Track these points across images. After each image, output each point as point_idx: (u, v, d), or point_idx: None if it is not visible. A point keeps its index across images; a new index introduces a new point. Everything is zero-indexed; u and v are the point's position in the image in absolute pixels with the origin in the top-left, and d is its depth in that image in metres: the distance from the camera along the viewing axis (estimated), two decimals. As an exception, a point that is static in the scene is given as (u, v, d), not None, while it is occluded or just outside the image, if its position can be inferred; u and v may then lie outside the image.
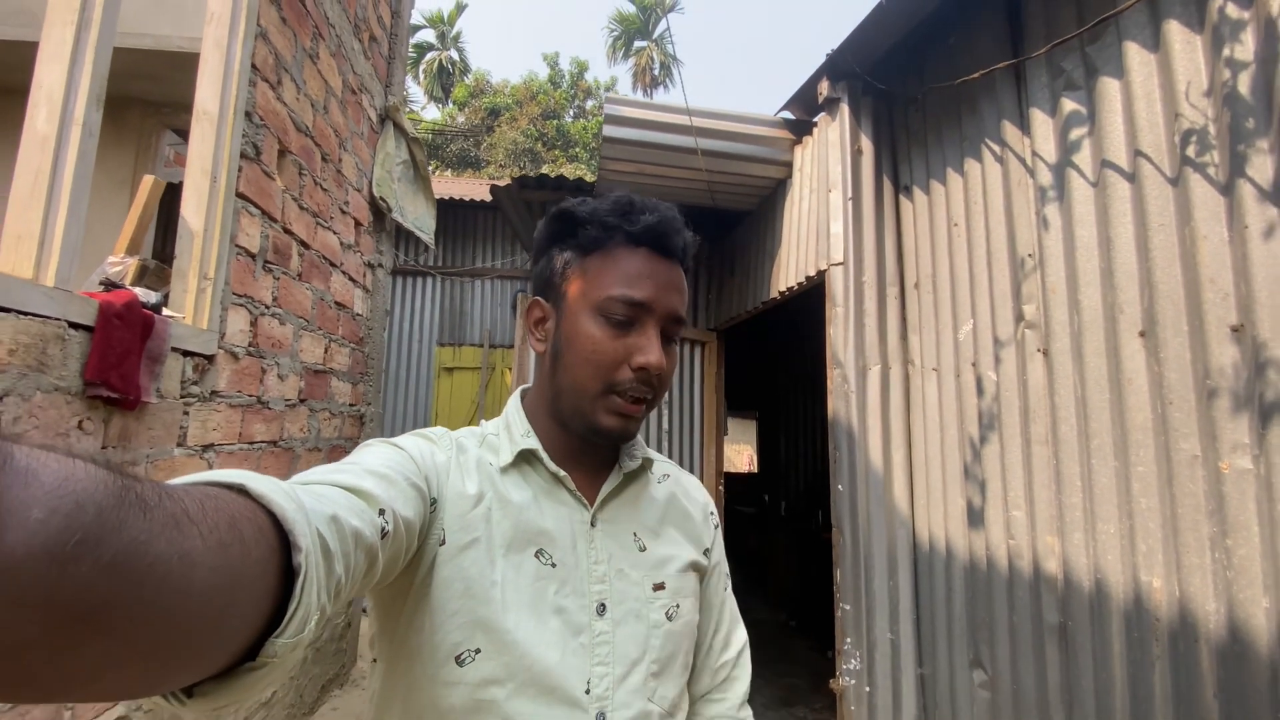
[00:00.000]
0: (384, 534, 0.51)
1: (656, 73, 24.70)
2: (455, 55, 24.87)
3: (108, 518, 0.26)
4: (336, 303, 3.37)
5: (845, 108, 2.60)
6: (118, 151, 3.48)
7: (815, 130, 2.89)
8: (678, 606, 0.73)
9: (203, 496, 0.33)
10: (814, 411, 6.41)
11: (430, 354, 6.53)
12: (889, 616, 2.32)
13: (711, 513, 0.87)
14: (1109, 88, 1.68)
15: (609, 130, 2.94)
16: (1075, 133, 1.78)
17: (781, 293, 3.17)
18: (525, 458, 0.72)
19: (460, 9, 24.86)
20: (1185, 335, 1.48)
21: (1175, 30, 1.50)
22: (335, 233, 3.30)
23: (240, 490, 0.38)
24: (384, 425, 5.87)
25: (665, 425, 3.95)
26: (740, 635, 0.86)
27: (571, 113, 22.66)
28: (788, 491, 6.77)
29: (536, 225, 0.82)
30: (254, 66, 2.43)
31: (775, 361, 7.14)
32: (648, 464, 0.80)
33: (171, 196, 2.92)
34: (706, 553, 0.82)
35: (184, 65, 3.32)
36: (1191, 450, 1.44)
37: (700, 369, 4.14)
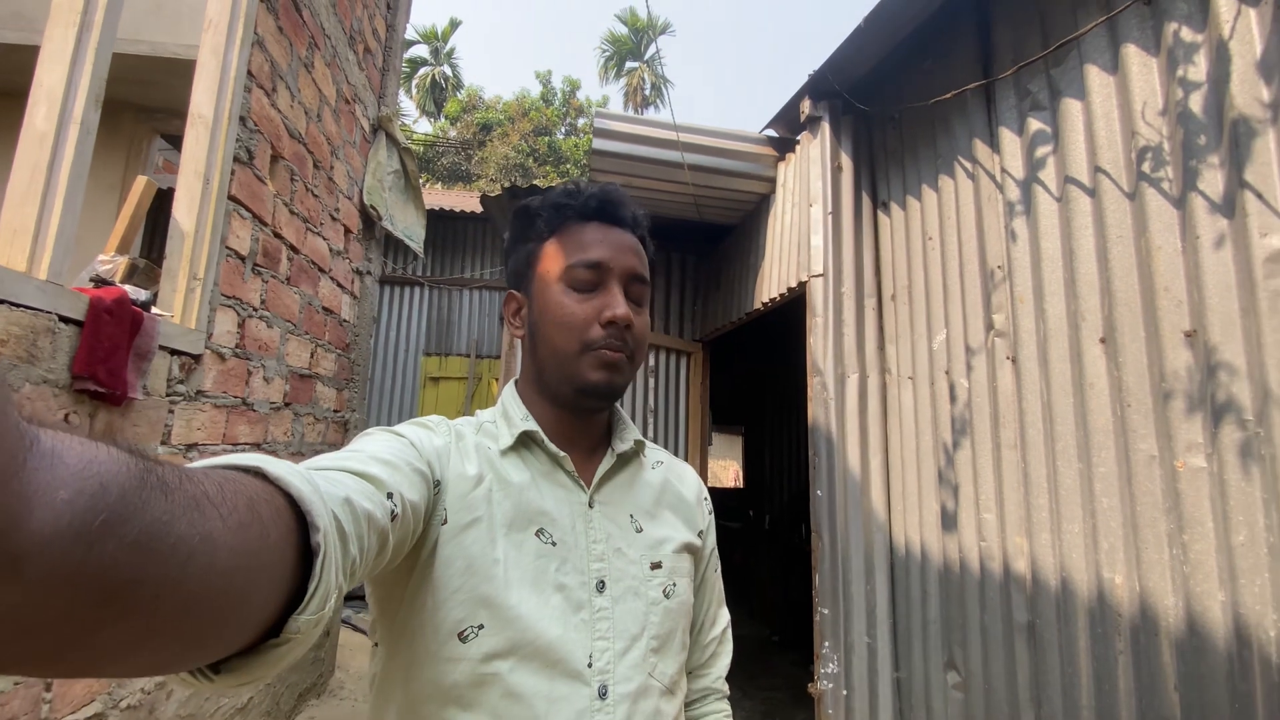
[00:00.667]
0: (393, 516, 0.53)
1: (648, 93, 25.07)
2: (448, 71, 25.09)
3: (131, 499, 0.26)
4: (324, 308, 3.39)
5: (826, 126, 2.69)
6: (108, 156, 3.50)
7: (798, 147, 2.98)
8: (674, 585, 0.75)
9: (221, 479, 0.34)
10: (798, 426, 6.47)
11: (416, 363, 6.53)
12: (866, 620, 2.36)
13: (705, 498, 0.90)
14: (1071, 108, 1.77)
15: (598, 143, 3.01)
16: (1040, 150, 1.87)
17: (765, 303, 3.24)
18: (524, 441, 0.75)
19: (454, 26, 25.14)
20: (1142, 341, 1.55)
21: (1133, 53, 1.60)
22: (325, 239, 3.33)
23: (257, 473, 0.39)
24: (369, 434, 5.84)
25: (650, 434, 3.99)
26: (725, 615, 0.90)
27: (563, 130, 22.89)
28: (772, 506, 6.80)
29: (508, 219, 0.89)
30: (250, 73, 2.48)
31: (762, 379, 7.21)
32: (640, 446, 0.83)
33: (160, 202, 2.94)
34: (700, 535, 0.84)
35: (178, 72, 3.35)
36: (1149, 450, 1.50)
37: (685, 379, 4.19)
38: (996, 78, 1.98)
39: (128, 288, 1.94)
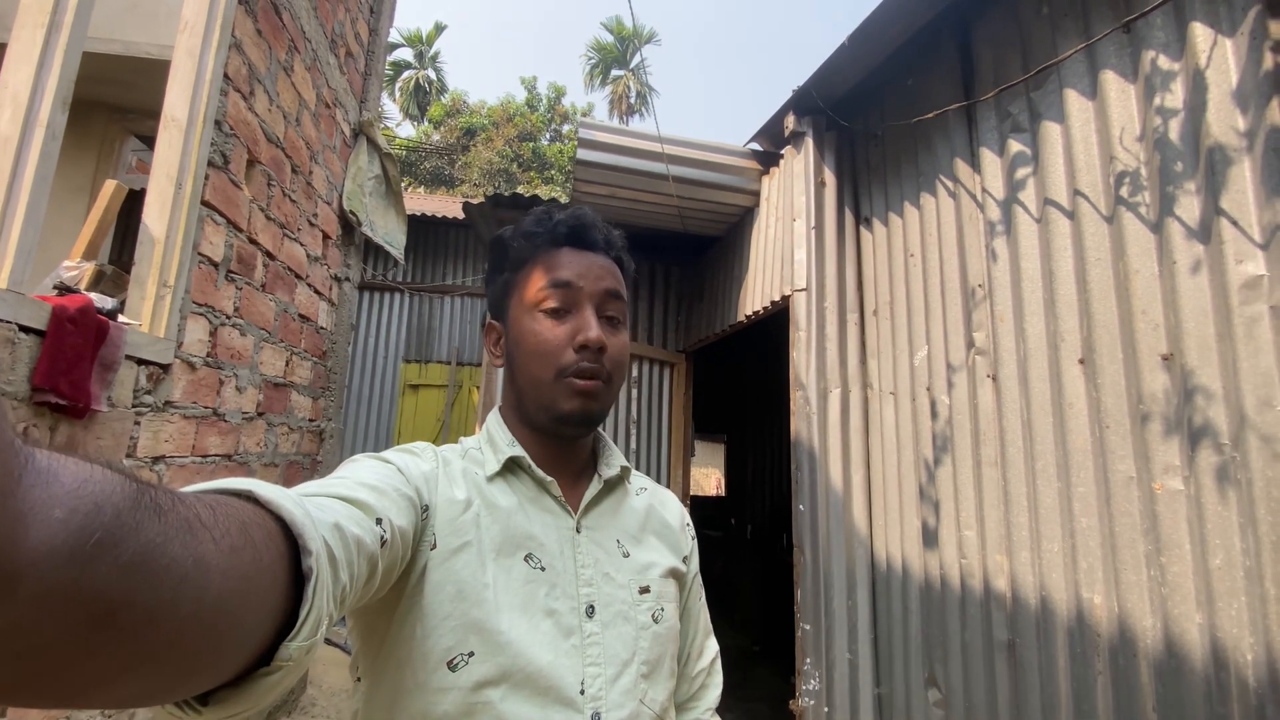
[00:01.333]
0: (383, 542, 0.52)
1: (633, 101, 25.16)
2: (432, 75, 24.97)
3: (125, 519, 0.26)
4: (300, 315, 3.32)
5: (810, 142, 2.71)
6: (79, 156, 3.40)
7: (782, 162, 3.00)
8: (662, 610, 0.75)
9: (214, 503, 0.33)
10: (780, 435, 6.49)
11: (396, 370, 6.44)
12: (848, 636, 2.35)
13: (688, 524, 0.89)
14: (1051, 131, 1.80)
15: (583, 154, 3.00)
16: (1021, 172, 1.89)
17: (748, 316, 3.24)
18: (510, 466, 0.74)
19: (439, 30, 25.04)
20: (1120, 363, 1.57)
21: (1111, 79, 1.62)
22: (302, 245, 3.26)
23: (249, 497, 0.38)
24: (344, 441, 5.74)
25: (633, 445, 3.96)
26: (713, 645, 0.89)
27: (548, 136, 22.88)
28: (754, 514, 6.80)
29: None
30: (227, 76, 2.42)
31: (743, 386, 7.23)
32: (625, 473, 0.82)
33: (131, 204, 2.87)
34: (685, 560, 0.84)
35: (152, 72, 3.28)
36: (1127, 471, 1.52)
37: (669, 390, 4.17)
38: (978, 99, 2.01)
39: (93, 295, 1.87)
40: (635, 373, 4.04)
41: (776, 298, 2.89)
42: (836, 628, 2.35)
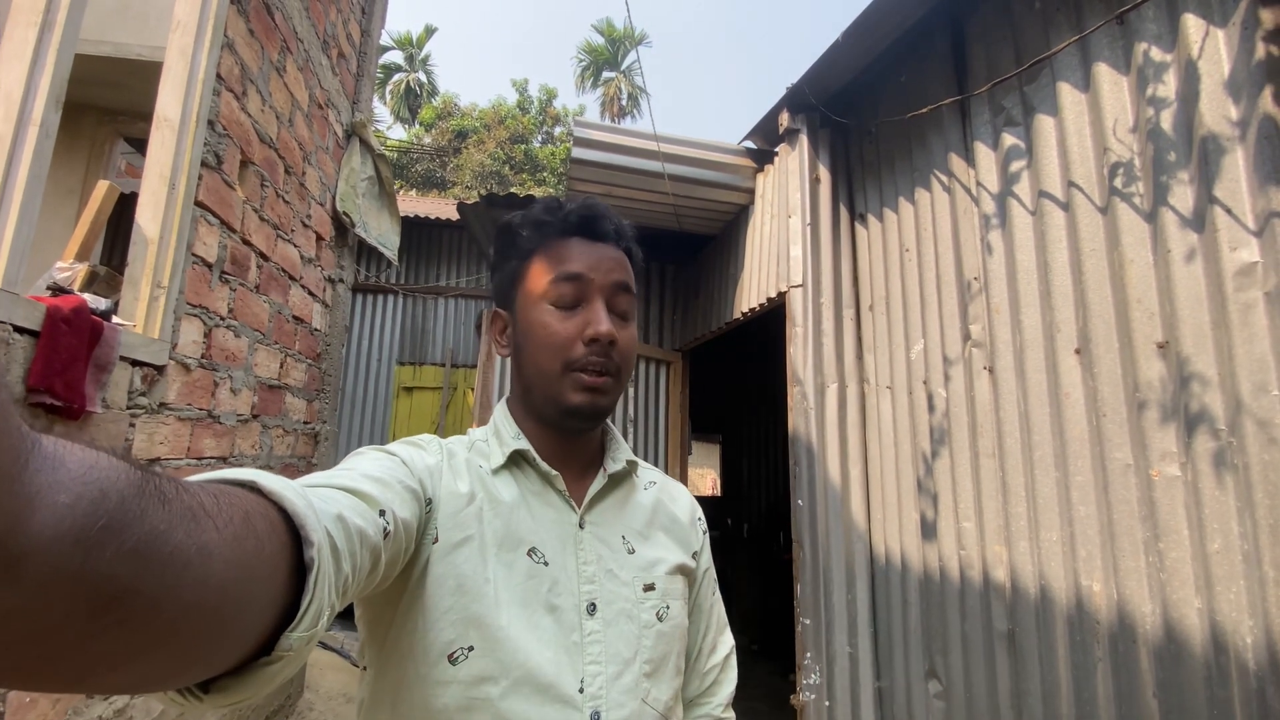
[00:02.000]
0: (386, 534, 0.52)
1: (624, 103, 25.18)
2: (423, 78, 24.91)
3: (130, 506, 0.26)
4: (294, 317, 3.30)
5: (804, 139, 2.72)
6: (69, 158, 3.38)
7: (776, 159, 3.01)
8: (667, 608, 0.74)
9: (217, 492, 0.33)
10: (776, 434, 6.50)
11: (390, 373, 6.41)
12: (848, 630, 2.36)
13: (699, 518, 0.88)
14: (1045, 124, 1.81)
15: (578, 152, 3.00)
16: (1015, 165, 1.91)
17: (744, 313, 3.25)
18: (516, 460, 0.74)
19: (430, 33, 24.98)
20: (1116, 352, 1.58)
21: (1104, 71, 1.64)
22: (296, 246, 3.25)
23: (252, 487, 0.38)
24: (339, 444, 5.71)
25: (631, 444, 3.96)
26: (727, 640, 0.88)
27: (540, 138, 22.85)
28: (750, 514, 6.81)
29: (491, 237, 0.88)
30: (219, 76, 2.41)
31: (738, 386, 7.24)
32: (633, 467, 0.81)
33: (120, 208, 2.84)
34: (695, 556, 0.83)
35: (142, 74, 3.26)
36: (1125, 459, 1.53)
37: (665, 389, 4.18)
38: (971, 94, 2.02)
39: (87, 296, 1.86)
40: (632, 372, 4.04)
41: (773, 294, 2.90)
42: (836, 622, 2.36)
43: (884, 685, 2.31)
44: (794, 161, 2.75)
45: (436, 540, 0.64)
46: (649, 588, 0.73)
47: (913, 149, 2.35)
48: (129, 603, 0.26)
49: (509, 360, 0.80)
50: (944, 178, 2.21)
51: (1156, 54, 1.50)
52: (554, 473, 0.73)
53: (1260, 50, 1.28)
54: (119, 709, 2.03)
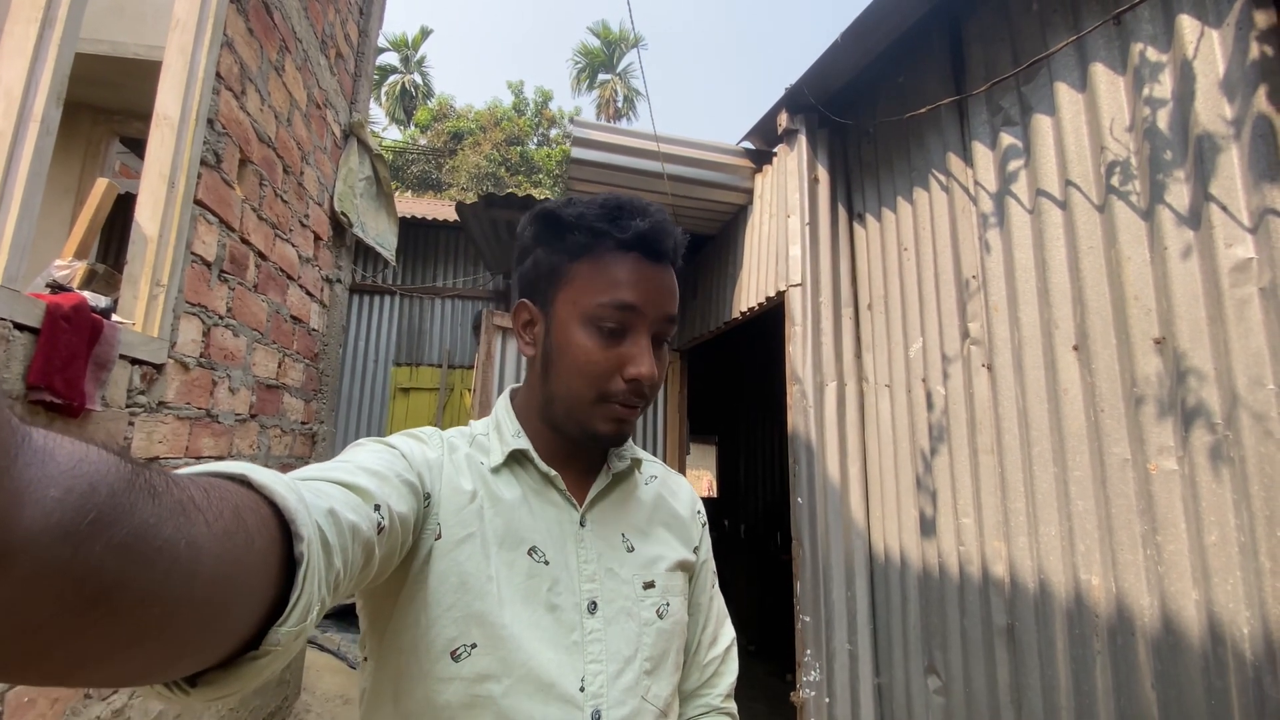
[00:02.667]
0: (380, 529, 0.52)
1: (620, 105, 25.23)
2: (419, 79, 24.89)
3: (119, 500, 0.26)
4: (292, 316, 3.29)
5: (803, 139, 2.74)
6: (65, 157, 3.36)
7: (775, 159, 3.02)
8: (668, 604, 0.74)
9: (207, 485, 0.33)
10: (772, 434, 6.52)
11: (386, 374, 6.39)
12: (847, 627, 2.37)
13: (699, 511, 0.87)
14: (1042, 124, 1.83)
15: (577, 152, 3.01)
16: (1013, 164, 1.93)
17: (743, 313, 3.26)
18: (516, 458, 0.73)
19: (425, 34, 24.97)
20: (1114, 348, 1.60)
21: (1100, 72, 1.66)
22: (294, 245, 3.24)
23: (243, 481, 0.38)
24: (335, 445, 5.69)
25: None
26: (728, 632, 0.87)
27: (535, 140, 22.86)
28: (747, 514, 6.82)
29: (507, 238, 0.85)
30: (219, 75, 2.41)
31: (735, 386, 7.26)
32: (636, 464, 0.81)
33: (117, 207, 2.83)
34: (695, 550, 0.82)
35: (139, 73, 3.25)
36: (1122, 454, 1.55)
37: (664, 388, 4.19)
38: (969, 94, 2.04)
39: (86, 294, 1.85)
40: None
41: (771, 293, 2.91)
42: (836, 619, 2.37)
43: (883, 682, 2.32)
44: (793, 162, 2.76)
45: (440, 536, 0.64)
46: (649, 585, 0.73)
47: (911, 149, 2.37)
48: (118, 596, 0.26)
49: (529, 360, 0.76)
50: (942, 177, 2.22)
51: (1152, 54, 1.52)
52: (553, 472, 0.72)
53: (1255, 50, 1.30)
54: (117, 709, 2.02)
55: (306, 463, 3.67)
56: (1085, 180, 1.70)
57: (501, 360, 3.81)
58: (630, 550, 0.74)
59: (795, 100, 2.72)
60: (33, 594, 0.24)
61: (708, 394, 7.15)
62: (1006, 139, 1.95)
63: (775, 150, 3.02)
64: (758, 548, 5.99)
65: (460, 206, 3.81)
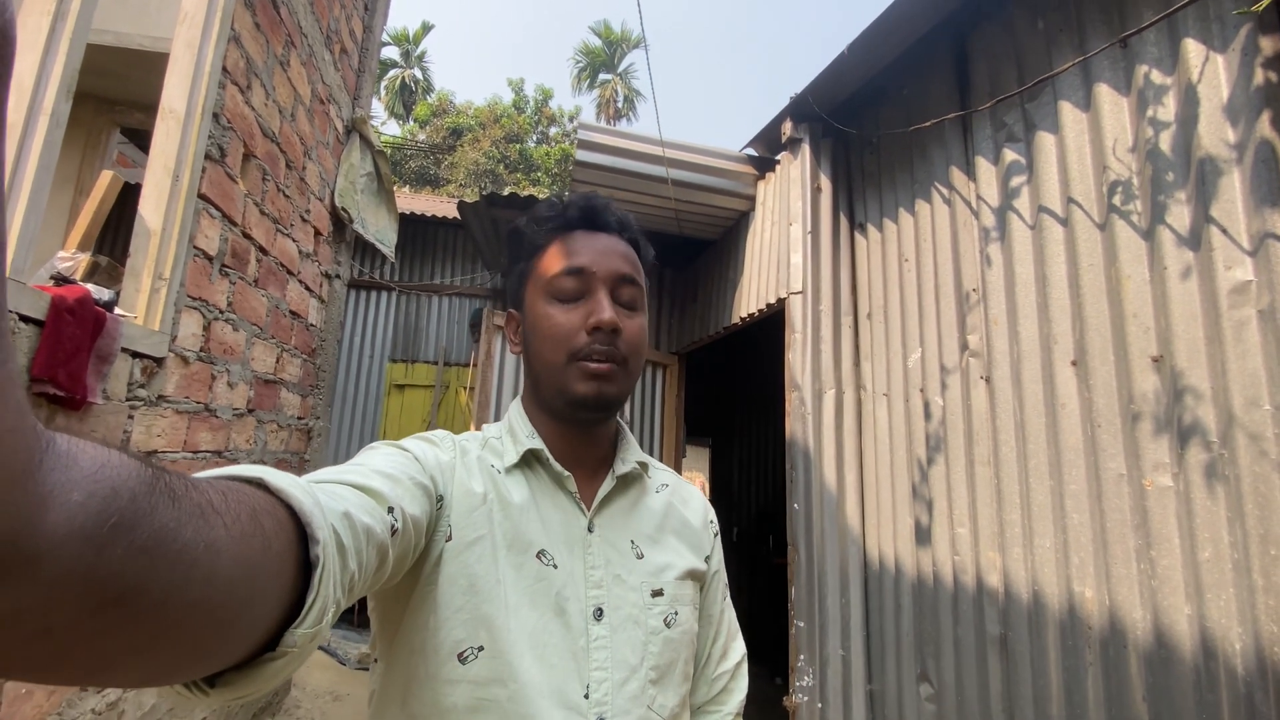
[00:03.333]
0: (394, 531, 0.52)
1: (620, 105, 25.23)
2: (419, 74, 24.81)
3: (140, 504, 0.26)
4: (291, 312, 3.28)
5: (807, 148, 2.76)
6: (65, 147, 3.32)
7: (778, 167, 3.04)
8: (676, 614, 0.73)
9: (225, 489, 0.34)
10: (766, 438, 6.54)
11: (381, 370, 6.37)
12: (841, 633, 2.39)
13: (711, 521, 0.87)
14: (1046, 141, 1.86)
15: (582, 155, 3.02)
16: (1015, 180, 1.95)
17: (743, 318, 3.28)
18: (528, 459, 0.74)
19: (426, 29, 24.89)
20: (1112, 364, 1.62)
21: (1105, 92, 1.68)
22: (295, 240, 3.23)
23: (259, 484, 0.39)
24: (331, 440, 5.67)
25: (624, 447, 3.98)
26: (739, 647, 0.87)
27: (535, 138, 22.83)
28: (740, 518, 6.84)
29: (502, 243, 0.90)
30: (225, 69, 2.40)
31: (729, 391, 7.28)
32: (643, 468, 0.81)
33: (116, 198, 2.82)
34: (706, 559, 0.82)
35: (142, 64, 3.23)
36: (1118, 469, 1.57)
37: (661, 391, 4.20)
38: (974, 110, 2.06)
39: (90, 286, 1.84)
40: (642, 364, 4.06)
41: (772, 300, 2.93)
42: (830, 625, 2.39)
43: (876, 688, 2.34)
44: (796, 170, 2.78)
45: (450, 538, 0.64)
46: (657, 593, 0.73)
47: (914, 161, 2.40)
48: (138, 598, 0.27)
49: (520, 359, 0.81)
50: (944, 190, 2.25)
51: (1157, 76, 1.55)
52: (566, 474, 0.73)
53: (1259, 76, 1.33)
54: (111, 702, 2.01)
55: (303, 458, 3.66)
56: (1087, 198, 1.72)
57: (501, 360, 3.81)
58: (640, 557, 0.74)
59: (800, 109, 2.74)
60: (57, 596, 0.24)
61: (703, 397, 7.17)
62: (1010, 154, 1.97)
63: (779, 158, 3.04)
64: (749, 551, 6.00)
65: (462, 205, 3.81)
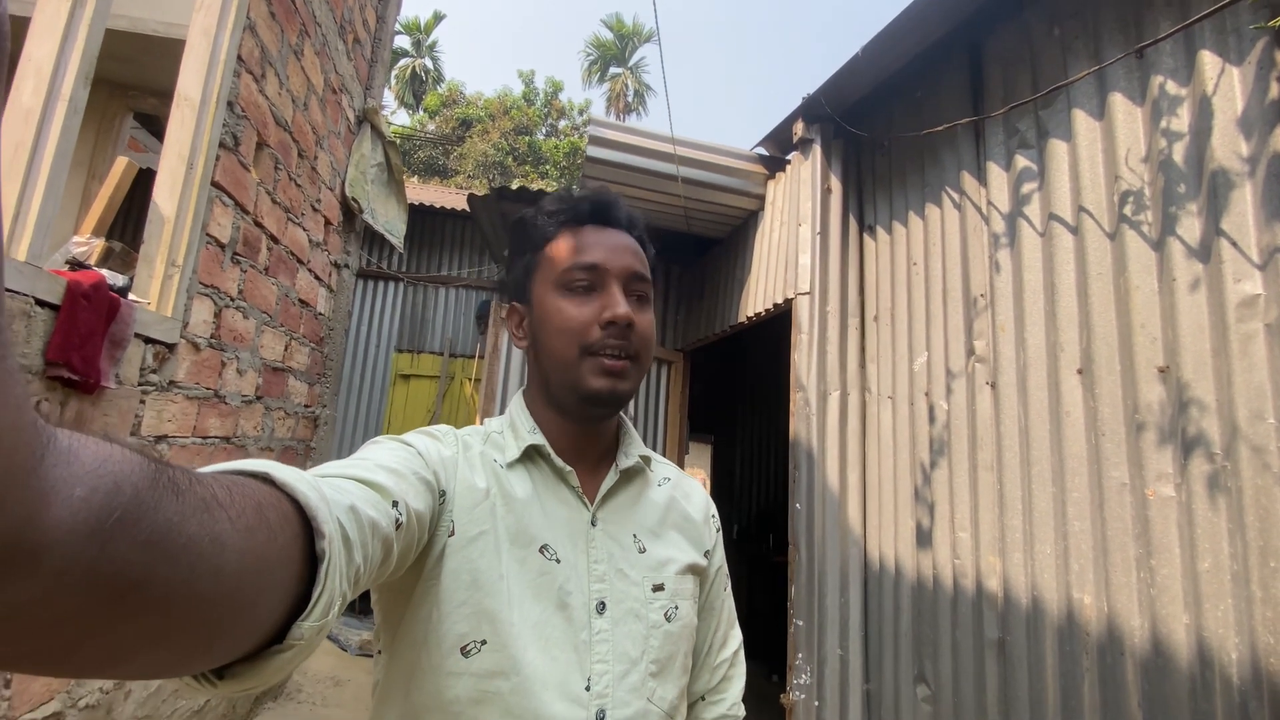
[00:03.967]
0: (398, 525, 0.53)
1: (630, 99, 25.16)
2: (429, 64, 24.77)
3: (144, 498, 0.26)
4: (300, 300, 3.31)
5: (818, 149, 2.75)
6: (79, 132, 3.35)
7: (788, 167, 3.04)
8: (676, 608, 0.74)
9: (230, 483, 0.34)
10: (769, 436, 6.56)
11: (387, 360, 6.40)
12: (839, 633, 2.40)
13: (713, 515, 0.88)
14: (1058, 149, 1.86)
15: (592, 150, 3.02)
16: (1026, 187, 1.95)
17: (750, 317, 3.29)
18: (530, 454, 0.74)
19: (438, 19, 24.84)
20: (1118, 374, 1.63)
21: (1119, 102, 1.68)
22: (305, 229, 3.25)
23: (265, 478, 0.39)
24: (336, 429, 5.70)
25: (627, 442, 3.99)
26: (737, 635, 0.88)
27: (544, 130, 22.78)
28: (741, 515, 6.86)
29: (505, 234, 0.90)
30: (240, 58, 2.41)
31: (732, 389, 7.29)
32: (646, 462, 0.81)
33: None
34: (707, 554, 0.83)
35: (156, 50, 3.24)
36: (1121, 478, 1.58)
37: (666, 387, 4.21)
38: (987, 115, 2.06)
39: (105, 272, 1.86)
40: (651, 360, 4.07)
41: (779, 300, 2.93)
42: (829, 624, 2.40)
43: (873, 688, 2.36)
44: (806, 170, 2.78)
45: (453, 533, 0.65)
46: (658, 588, 0.73)
47: (925, 164, 2.39)
48: (144, 593, 0.27)
49: (525, 353, 0.81)
50: (955, 195, 2.25)
51: (1172, 87, 1.55)
52: (568, 469, 0.73)
53: (1274, 89, 1.33)
54: (117, 681, 2.05)
55: (309, 445, 3.69)
56: (1098, 207, 1.72)
57: (508, 353, 3.83)
58: (642, 551, 0.75)
59: (812, 110, 2.74)
60: (62, 590, 0.24)
61: (705, 394, 7.18)
62: (1021, 161, 1.97)
63: (789, 158, 3.04)
64: (749, 548, 6.03)
65: (472, 198, 3.82)
